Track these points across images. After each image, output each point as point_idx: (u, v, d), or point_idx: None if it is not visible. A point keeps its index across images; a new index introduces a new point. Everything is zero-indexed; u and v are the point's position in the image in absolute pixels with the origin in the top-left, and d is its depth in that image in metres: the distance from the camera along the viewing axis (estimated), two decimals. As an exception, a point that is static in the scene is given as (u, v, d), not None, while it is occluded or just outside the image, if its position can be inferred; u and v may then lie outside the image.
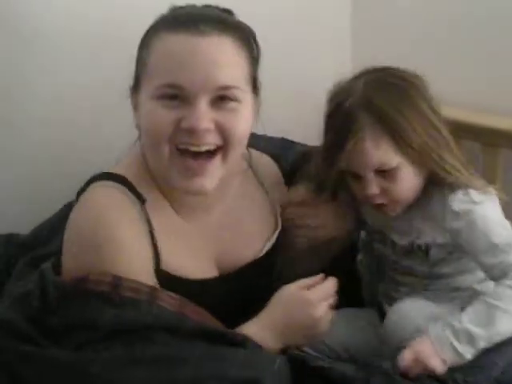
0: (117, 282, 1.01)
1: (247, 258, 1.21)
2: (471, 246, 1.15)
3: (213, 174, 1.06)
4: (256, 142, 1.59)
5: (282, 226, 1.26)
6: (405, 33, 1.99)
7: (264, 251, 1.23)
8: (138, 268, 1.06)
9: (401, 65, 1.24)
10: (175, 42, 1.04)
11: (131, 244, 1.05)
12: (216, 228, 1.20)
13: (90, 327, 1.01)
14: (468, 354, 1.09)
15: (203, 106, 1.02)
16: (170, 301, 1.04)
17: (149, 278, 1.08)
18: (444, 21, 1.85)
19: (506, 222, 1.17)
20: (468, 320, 1.10)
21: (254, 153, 1.28)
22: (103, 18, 1.58)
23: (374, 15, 2.09)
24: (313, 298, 1.12)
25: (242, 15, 1.81)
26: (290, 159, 1.58)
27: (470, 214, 1.15)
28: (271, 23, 1.92)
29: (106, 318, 1.01)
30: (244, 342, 1.02)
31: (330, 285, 1.14)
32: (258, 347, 1.04)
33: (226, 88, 1.04)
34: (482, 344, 1.08)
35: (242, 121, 1.08)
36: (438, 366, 1.09)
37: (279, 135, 1.71)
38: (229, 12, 1.14)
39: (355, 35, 2.14)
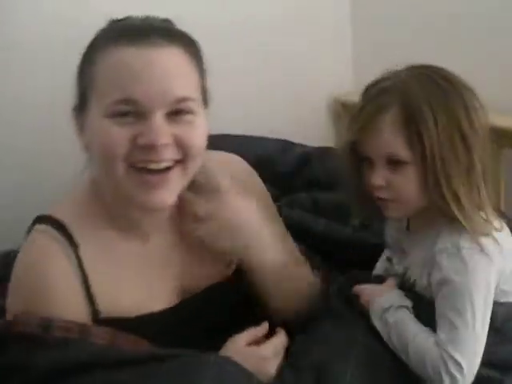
0: (46, 322, 1.00)
1: (211, 280, 1.16)
2: (439, 310, 1.08)
3: (173, 187, 1.02)
4: (253, 144, 1.61)
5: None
6: (405, 30, 1.96)
7: (230, 272, 1.17)
8: (70, 315, 1.03)
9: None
10: (125, 55, 0.98)
11: (61, 294, 1.03)
12: (175, 250, 1.14)
13: (24, 370, 0.99)
14: (379, 326, 1.10)
15: (160, 120, 0.97)
16: (102, 335, 1.01)
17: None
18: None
19: (490, 296, 1.06)
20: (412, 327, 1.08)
21: (215, 163, 1.15)
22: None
23: (374, 14, 2.08)
24: (266, 354, 1.06)
25: (243, 18, 1.90)
26: (289, 161, 1.55)
27: (454, 275, 1.05)
28: (271, 26, 1.93)
29: (39, 360, 0.98)
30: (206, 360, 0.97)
31: (281, 340, 1.09)
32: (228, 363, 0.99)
33: (183, 100, 1.00)
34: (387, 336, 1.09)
35: (200, 133, 1.03)
36: (364, 300, 1.14)
37: (280, 137, 1.70)
38: (170, 22, 1.08)
39: (355, 35, 2.12)
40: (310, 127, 2.03)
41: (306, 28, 2.01)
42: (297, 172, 1.59)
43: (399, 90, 1.08)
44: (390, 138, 1.07)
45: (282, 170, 1.58)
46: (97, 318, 1.05)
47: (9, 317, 1.05)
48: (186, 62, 1.02)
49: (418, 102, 1.06)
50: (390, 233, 1.24)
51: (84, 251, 1.05)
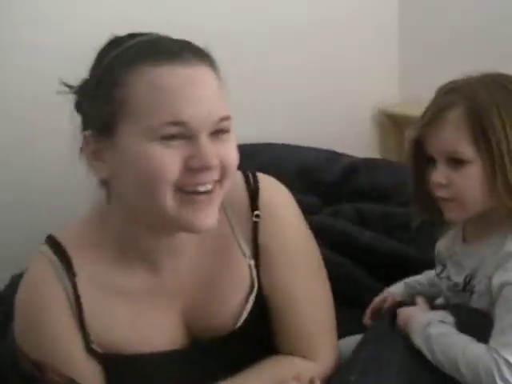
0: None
1: (222, 325, 1.09)
2: (497, 313, 1.04)
3: (216, 207, 0.99)
4: (296, 153, 1.59)
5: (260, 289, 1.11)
6: (450, 43, 1.95)
7: (242, 319, 1.09)
8: (71, 350, 1.04)
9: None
10: (165, 75, 0.93)
11: (54, 317, 1.03)
12: (185, 286, 1.08)
13: None
14: (421, 344, 1.05)
15: (207, 141, 0.94)
16: None
17: (72, 362, 1.04)
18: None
19: None
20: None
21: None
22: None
23: (421, 27, 2.08)
24: None
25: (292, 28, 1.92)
26: (334, 171, 1.53)
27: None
28: (320, 38, 1.94)
29: None
30: None
31: None
32: None
33: (225, 119, 0.96)
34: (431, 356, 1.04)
35: (235, 151, 0.99)
36: (402, 322, 1.10)
37: (326, 147, 1.70)
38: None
39: (402, 48, 2.10)
40: (355, 138, 2.03)
41: (354, 40, 2.02)
42: (342, 182, 1.58)
43: (466, 90, 1.08)
44: (452, 136, 1.07)
45: (327, 179, 1.56)
46: (89, 346, 1.04)
47: (17, 337, 1.08)
48: (216, 80, 0.98)
49: (483, 101, 1.06)
50: (444, 246, 1.20)
51: (81, 281, 1.04)
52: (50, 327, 1.03)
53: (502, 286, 1.03)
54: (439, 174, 1.08)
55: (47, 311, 1.03)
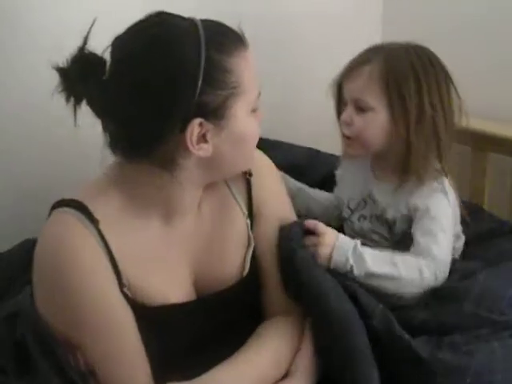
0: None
1: (227, 277, 1.19)
2: (417, 225, 1.26)
3: None
4: (281, 150, 1.53)
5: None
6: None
7: (245, 272, 1.19)
8: (104, 290, 1.05)
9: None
10: (249, 57, 1.09)
11: (93, 267, 1.04)
12: (191, 241, 1.17)
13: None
14: (350, 266, 1.20)
15: None
16: None
17: (116, 298, 1.06)
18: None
19: (450, 225, 1.27)
20: (371, 252, 1.21)
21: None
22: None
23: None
24: None
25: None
26: (319, 170, 1.51)
27: (432, 199, 1.26)
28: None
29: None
30: None
31: None
32: None
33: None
34: (364, 270, 1.19)
35: None
36: (323, 255, 1.20)
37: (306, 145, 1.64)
38: None
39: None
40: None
41: (341, 34, 1.95)
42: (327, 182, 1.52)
43: (388, 51, 1.27)
44: (361, 86, 1.26)
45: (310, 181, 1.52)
46: (121, 290, 1.07)
47: (37, 300, 1.06)
48: None
49: (402, 64, 1.24)
50: (353, 191, 1.38)
51: (104, 227, 1.06)
52: (87, 268, 1.03)
53: (415, 210, 1.26)
54: (346, 114, 1.29)
55: (84, 249, 1.03)
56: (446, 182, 1.28)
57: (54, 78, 1.02)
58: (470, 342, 1.09)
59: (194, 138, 1.04)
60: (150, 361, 1.06)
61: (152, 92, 1.00)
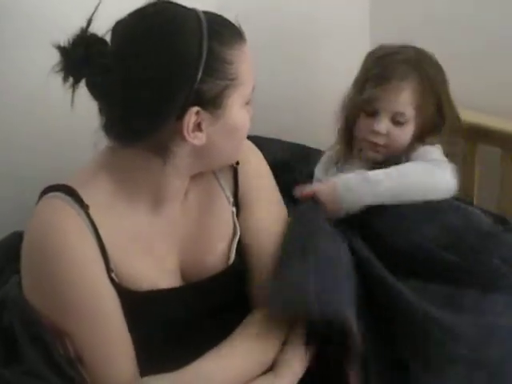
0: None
1: (213, 265, 1.20)
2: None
3: None
4: (269, 146, 1.51)
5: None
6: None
7: (231, 260, 1.21)
8: (92, 274, 1.05)
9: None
10: (247, 50, 1.12)
11: (80, 251, 1.04)
12: (178, 229, 1.19)
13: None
14: (367, 196, 1.28)
15: None
16: None
17: (104, 284, 1.06)
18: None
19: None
20: (382, 172, 1.31)
21: None
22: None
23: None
24: None
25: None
26: (304, 171, 1.52)
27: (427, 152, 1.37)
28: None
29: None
30: None
31: None
32: None
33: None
34: (383, 188, 1.28)
35: None
36: (334, 210, 1.28)
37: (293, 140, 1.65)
38: None
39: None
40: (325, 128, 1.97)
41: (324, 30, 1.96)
42: None
43: (414, 64, 1.36)
44: (405, 103, 1.35)
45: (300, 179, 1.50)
46: (109, 275, 1.07)
47: (25, 287, 1.06)
48: None
49: (432, 77, 1.36)
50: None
51: (94, 212, 1.07)
52: (75, 252, 1.03)
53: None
54: (382, 126, 1.36)
55: (73, 233, 1.04)
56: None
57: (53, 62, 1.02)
58: None
59: (191, 126, 1.06)
60: (135, 347, 1.07)
61: (152, 79, 1.01)
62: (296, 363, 1.12)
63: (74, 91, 1.03)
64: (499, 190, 1.69)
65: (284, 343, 1.14)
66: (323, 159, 1.50)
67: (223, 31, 1.08)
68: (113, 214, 1.10)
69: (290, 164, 1.52)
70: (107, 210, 1.09)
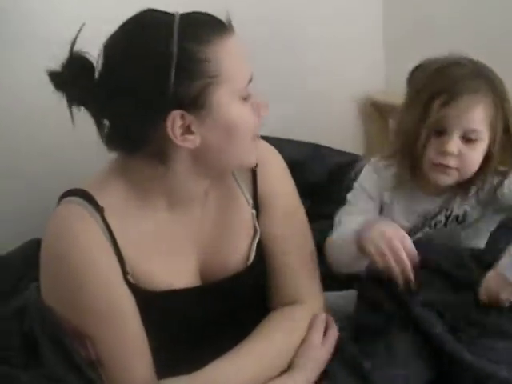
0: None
1: (232, 265, 1.20)
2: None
3: None
4: (282, 146, 1.49)
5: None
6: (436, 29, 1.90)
7: (250, 261, 1.21)
8: (106, 275, 1.06)
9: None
10: (233, 44, 1.08)
11: (95, 252, 1.06)
12: (197, 231, 1.19)
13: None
14: None
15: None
16: None
17: (119, 286, 1.07)
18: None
19: None
20: None
21: None
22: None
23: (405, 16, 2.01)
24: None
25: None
26: (317, 171, 1.50)
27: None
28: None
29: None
30: None
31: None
32: None
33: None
34: None
35: None
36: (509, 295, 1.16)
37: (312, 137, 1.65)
38: None
39: (387, 35, 2.05)
40: (338, 127, 1.97)
41: (338, 28, 1.96)
42: (329, 184, 1.53)
43: (480, 74, 1.24)
44: (477, 118, 1.22)
45: (313, 179, 1.53)
46: (125, 277, 1.08)
47: (44, 291, 1.08)
48: None
49: (502, 91, 1.24)
50: (424, 208, 1.32)
51: (109, 215, 1.08)
52: (90, 254, 1.05)
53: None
54: (454, 145, 1.22)
55: (89, 237, 1.05)
56: None
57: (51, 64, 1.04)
58: None
59: (177, 130, 1.05)
60: (152, 348, 1.08)
61: (130, 88, 1.02)
62: (310, 367, 1.13)
63: (71, 111, 1.05)
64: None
65: (300, 346, 1.15)
66: (374, 175, 1.36)
67: (199, 30, 1.06)
68: (128, 217, 1.11)
69: (302, 163, 1.50)
70: (122, 213, 1.10)
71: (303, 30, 1.87)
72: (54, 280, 1.07)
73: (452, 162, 1.23)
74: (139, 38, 1.04)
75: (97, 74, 1.05)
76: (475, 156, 1.23)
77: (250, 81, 1.09)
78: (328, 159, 1.55)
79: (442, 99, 1.21)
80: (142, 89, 1.02)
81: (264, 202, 1.23)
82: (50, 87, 1.04)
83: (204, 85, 1.04)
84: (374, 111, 2.03)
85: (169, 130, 1.04)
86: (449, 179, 1.26)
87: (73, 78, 1.04)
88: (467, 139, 1.22)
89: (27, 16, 1.47)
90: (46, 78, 1.04)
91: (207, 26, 1.06)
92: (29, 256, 1.29)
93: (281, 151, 1.32)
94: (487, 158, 1.25)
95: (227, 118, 1.07)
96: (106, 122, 1.08)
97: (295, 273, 1.21)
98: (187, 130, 1.05)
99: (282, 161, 1.28)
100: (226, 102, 1.06)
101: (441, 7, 1.89)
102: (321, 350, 1.14)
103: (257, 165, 1.20)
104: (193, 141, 1.06)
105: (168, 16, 1.06)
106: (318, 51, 1.92)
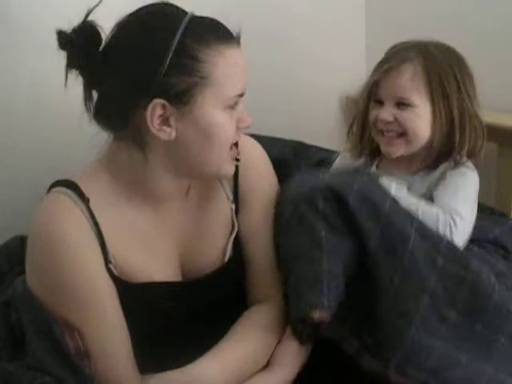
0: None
1: (211, 261, 1.23)
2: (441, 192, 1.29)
3: None
4: (266, 144, 1.50)
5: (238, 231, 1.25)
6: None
7: (227, 257, 1.23)
8: (89, 264, 1.08)
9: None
10: (237, 55, 1.11)
11: (79, 241, 1.07)
12: (178, 225, 1.21)
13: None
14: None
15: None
16: None
17: (100, 272, 1.10)
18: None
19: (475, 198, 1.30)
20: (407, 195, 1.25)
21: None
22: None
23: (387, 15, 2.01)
24: None
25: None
26: (301, 165, 1.50)
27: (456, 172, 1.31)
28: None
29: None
30: None
31: None
32: None
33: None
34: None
35: None
36: None
37: (295, 136, 1.66)
38: None
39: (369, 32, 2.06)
40: (321, 125, 1.98)
41: (319, 27, 1.97)
42: None
43: (420, 50, 1.30)
44: (405, 85, 1.28)
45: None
46: (107, 266, 1.10)
47: (29, 280, 1.09)
48: None
49: (439, 59, 1.28)
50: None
51: (94, 206, 1.11)
52: (73, 242, 1.06)
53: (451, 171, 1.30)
54: (387, 113, 1.30)
55: (73, 225, 1.07)
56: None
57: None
58: None
59: (156, 119, 1.07)
60: (133, 340, 1.09)
61: (125, 66, 1.06)
62: (288, 361, 1.15)
63: (67, 72, 1.08)
64: (496, 186, 1.69)
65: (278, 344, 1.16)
66: (338, 161, 1.45)
67: (203, 32, 1.08)
68: (112, 208, 1.13)
69: (287, 160, 1.51)
70: (107, 205, 1.12)
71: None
72: (38, 269, 1.09)
73: (391, 128, 1.30)
74: (148, 22, 1.08)
75: (102, 47, 1.08)
76: (414, 122, 1.29)
77: (242, 95, 1.11)
78: (313, 156, 1.56)
79: (380, 71, 1.31)
80: (134, 69, 1.06)
81: (244, 197, 1.25)
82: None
83: (192, 82, 1.06)
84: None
85: (148, 115, 1.06)
86: (397, 150, 1.32)
87: (79, 41, 1.06)
88: (402, 106, 1.29)
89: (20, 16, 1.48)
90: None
91: (212, 31, 1.09)
92: (12, 253, 1.30)
93: (265, 148, 1.33)
94: (450, 139, 1.30)
95: (206, 120, 1.09)
96: (95, 96, 1.10)
97: (272, 268, 1.23)
98: (165, 121, 1.07)
99: (265, 155, 1.30)
100: (210, 105, 1.08)
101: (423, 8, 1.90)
102: (297, 348, 1.15)
103: (239, 159, 1.21)
104: (169, 133, 1.08)
105: (182, 12, 1.09)
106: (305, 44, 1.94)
